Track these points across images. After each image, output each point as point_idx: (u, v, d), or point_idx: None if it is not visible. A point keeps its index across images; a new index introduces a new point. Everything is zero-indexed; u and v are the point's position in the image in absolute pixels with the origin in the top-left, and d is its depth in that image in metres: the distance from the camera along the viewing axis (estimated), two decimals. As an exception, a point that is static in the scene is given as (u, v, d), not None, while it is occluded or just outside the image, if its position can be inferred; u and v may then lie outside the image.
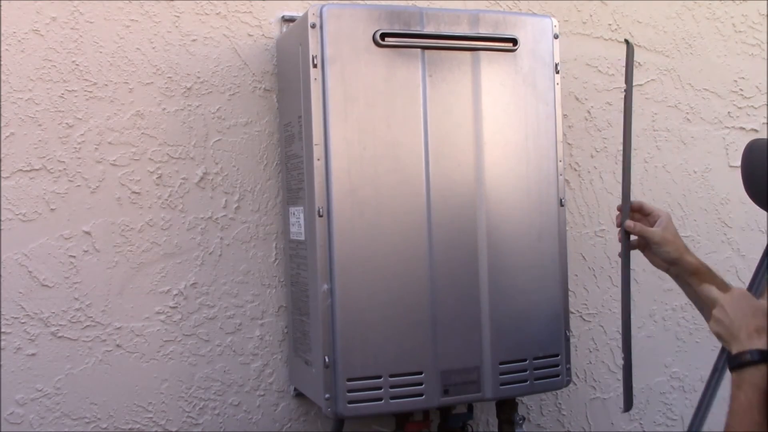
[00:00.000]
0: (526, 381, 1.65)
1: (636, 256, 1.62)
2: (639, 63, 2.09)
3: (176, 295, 1.73)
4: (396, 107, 1.55)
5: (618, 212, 1.57)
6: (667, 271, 1.56)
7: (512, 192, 1.64)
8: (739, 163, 1.49)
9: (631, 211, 1.60)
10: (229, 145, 1.76)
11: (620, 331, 1.44)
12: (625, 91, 1.57)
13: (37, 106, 1.63)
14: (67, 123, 1.65)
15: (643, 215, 1.59)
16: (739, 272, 2.20)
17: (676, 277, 1.57)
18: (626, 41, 1.61)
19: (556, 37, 1.69)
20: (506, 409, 1.75)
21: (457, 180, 1.60)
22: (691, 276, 1.52)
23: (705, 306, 1.50)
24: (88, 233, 1.66)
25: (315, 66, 1.51)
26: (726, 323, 1.22)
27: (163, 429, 1.72)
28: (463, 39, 1.60)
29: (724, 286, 1.47)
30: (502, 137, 1.64)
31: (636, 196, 2.10)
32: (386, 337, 1.54)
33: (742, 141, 2.19)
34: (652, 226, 1.56)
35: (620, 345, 2.08)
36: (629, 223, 1.55)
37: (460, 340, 1.60)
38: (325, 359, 1.52)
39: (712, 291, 1.31)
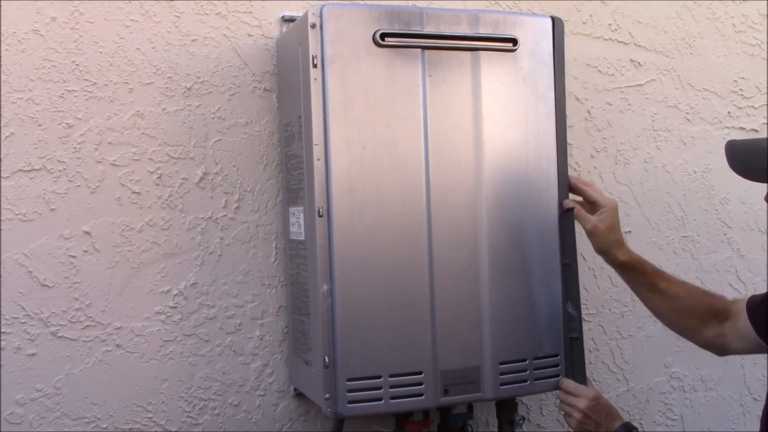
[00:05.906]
0: (526, 381, 1.65)
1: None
2: (639, 63, 2.10)
3: (176, 295, 1.73)
4: (396, 107, 1.55)
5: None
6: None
7: (512, 192, 1.64)
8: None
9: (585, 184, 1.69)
10: (229, 145, 1.76)
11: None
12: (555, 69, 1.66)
13: (37, 106, 1.63)
14: (67, 123, 1.65)
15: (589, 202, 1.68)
16: (739, 272, 2.20)
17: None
18: (552, 17, 1.66)
19: (556, 37, 1.69)
20: (506, 409, 1.75)
21: (457, 180, 1.60)
22: (618, 268, 1.66)
23: (639, 288, 1.66)
24: (88, 233, 1.66)
25: (315, 66, 1.51)
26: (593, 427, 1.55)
27: (163, 429, 1.72)
28: (463, 39, 1.60)
29: (657, 276, 1.64)
30: (502, 137, 1.63)
31: (636, 196, 2.10)
32: (386, 337, 1.54)
33: (742, 141, 2.20)
34: (595, 212, 1.65)
35: (619, 344, 2.09)
36: (568, 202, 1.66)
37: (460, 340, 1.59)
38: (325, 359, 1.52)
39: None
